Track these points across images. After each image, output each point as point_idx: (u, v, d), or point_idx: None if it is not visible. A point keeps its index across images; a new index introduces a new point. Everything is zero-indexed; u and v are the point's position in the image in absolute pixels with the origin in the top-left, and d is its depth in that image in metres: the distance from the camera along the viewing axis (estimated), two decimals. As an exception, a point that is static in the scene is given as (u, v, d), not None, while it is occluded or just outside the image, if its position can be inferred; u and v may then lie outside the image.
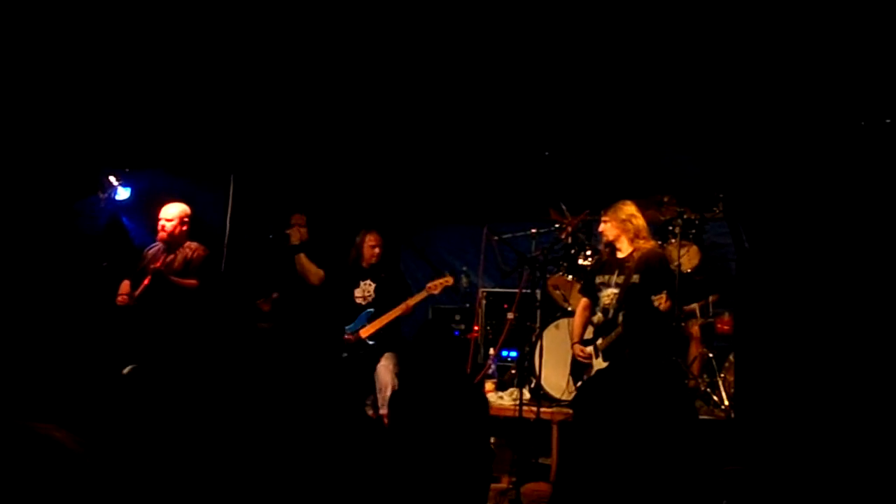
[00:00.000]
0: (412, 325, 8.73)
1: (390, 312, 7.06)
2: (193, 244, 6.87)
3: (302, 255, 7.33)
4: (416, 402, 4.91)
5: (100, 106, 7.16)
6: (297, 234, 7.32)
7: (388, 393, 6.81)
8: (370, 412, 7.01)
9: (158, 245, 6.92)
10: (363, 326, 7.12)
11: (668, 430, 4.57)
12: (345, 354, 7.13)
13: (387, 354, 7.05)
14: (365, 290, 7.29)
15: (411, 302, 7.07)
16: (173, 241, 6.84)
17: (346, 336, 7.16)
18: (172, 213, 6.87)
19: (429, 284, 7.15)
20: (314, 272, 7.36)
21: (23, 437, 1.57)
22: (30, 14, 5.93)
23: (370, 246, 7.32)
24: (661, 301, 5.77)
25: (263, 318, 7.73)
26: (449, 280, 7.14)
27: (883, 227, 5.30)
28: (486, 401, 5.39)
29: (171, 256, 6.77)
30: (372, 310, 7.15)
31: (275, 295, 7.72)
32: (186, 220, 6.90)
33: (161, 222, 6.83)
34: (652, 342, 6.02)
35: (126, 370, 6.73)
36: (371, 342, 7.07)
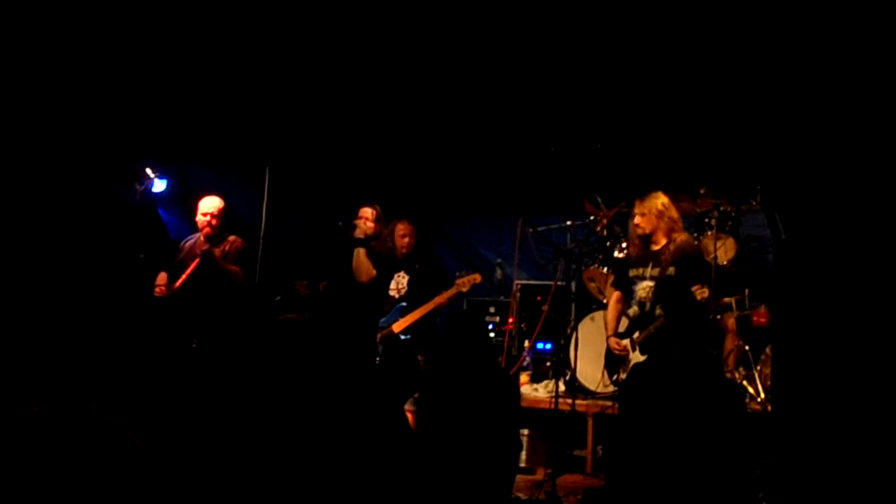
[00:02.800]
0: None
1: (423, 307, 6.85)
2: (232, 237, 6.89)
3: (362, 250, 7.05)
4: (446, 392, 4.94)
5: (136, 98, 7.22)
6: (361, 229, 7.10)
7: None
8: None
9: (196, 237, 6.96)
10: (396, 321, 7.02)
11: (716, 424, 4.56)
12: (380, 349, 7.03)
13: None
14: (399, 283, 7.11)
15: (441, 299, 6.92)
16: (213, 234, 6.86)
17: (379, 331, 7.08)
18: (215, 206, 6.89)
19: (458, 281, 6.96)
20: (366, 270, 7.03)
21: (95, 424, 1.61)
22: (66, 6, 6.00)
23: (400, 235, 7.14)
24: (703, 293, 5.76)
25: (297, 305, 7.69)
26: (477, 278, 6.93)
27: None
28: (517, 391, 5.42)
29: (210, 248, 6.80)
30: (405, 304, 7.04)
31: (322, 285, 7.63)
32: (224, 213, 6.93)
33: (206, 217, 6.85)
34: (694, 335, 6.00)
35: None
36: (404, 337, 6.97)
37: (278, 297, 7.47)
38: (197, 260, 6.70)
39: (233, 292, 6.74)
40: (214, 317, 6.64)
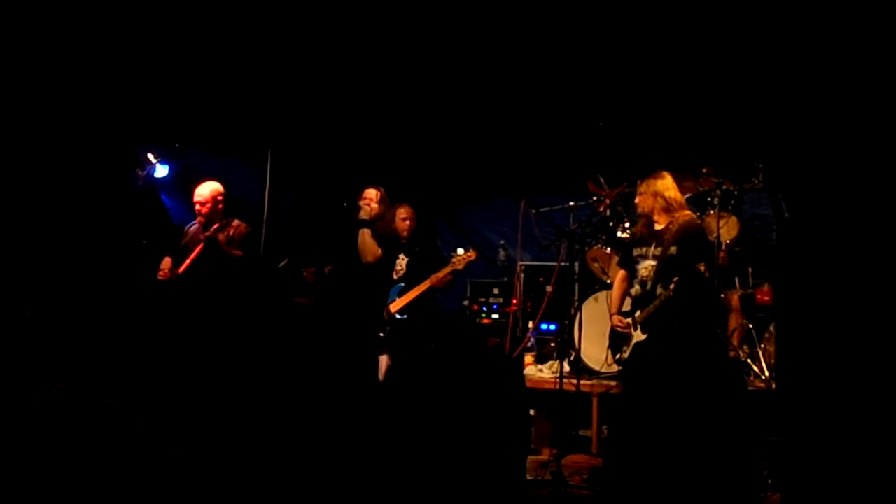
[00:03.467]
0: (449, 300, 8.78)
1: (418, 287, 7.00)
2: (235, 221, 6.91)
3: (366, 231, 7.13)
4: (454, 378, 4.94)
5: (137, 83, 7.21)
6: (366, 210, 7.15)
7: None
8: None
9: (199, 222, 6.96)
10: (393, 301, 7.10)
11: (716, 401, 4.58)
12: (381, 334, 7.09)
13: None
14: (398, 265, 7.24)
15: (435, 278, 7.01)
16: (213, 220, 6.87)
17: None
18: (205, 193, 6.89)
19: (453, 259, 7.07)
20: (372, 250, 7.11)
21: (100, 408, 1.63)
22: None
23: (402, 219, 7.24)
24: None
25: (303, 291, 7.70)
26: (472, 255, 7.04)
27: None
28: (521, 372, 5.43)
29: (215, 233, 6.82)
30: (402, 284, 7.13)
31: (327, 269, 7.65)
32: (221, 197, 6.91)
33: (196, 205, 6.88)
34: (699, 312, 6.00)
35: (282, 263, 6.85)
36: (400, 316, 7.06)
37: (284, 262, 7.47)
38: (201, 245, 6.71)
39: (237, 276, 6.75)
40: (219, 301, 6.65)
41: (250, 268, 6.88)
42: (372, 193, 7.19)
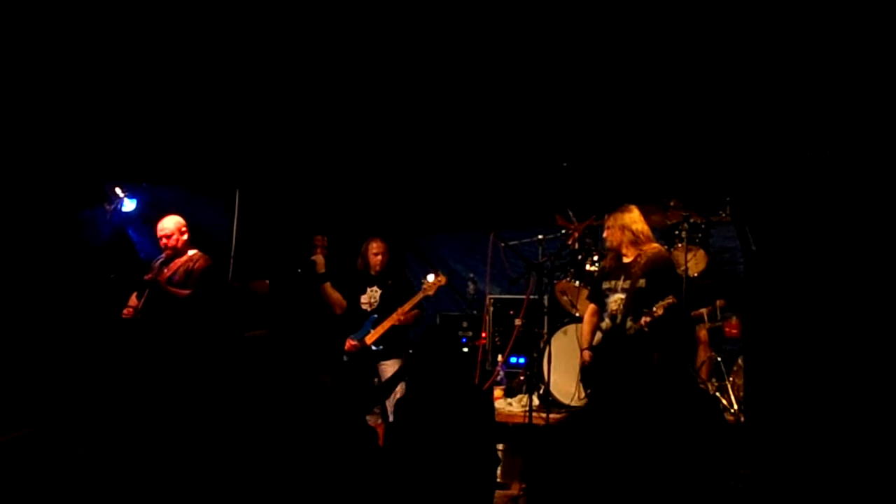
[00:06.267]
0: (419, 334, 8.75)
1: (391, 317, 7.08)
2: (196, 254, 6.87)
3: (328, 285, 7.42)
4: (422, 407, 4.91)
5: (107, 117, 7.18)
6: (321, 261, 7.37)
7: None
8: (375, 420, 7.00)
9: (166, 255, 6.92)
10: (368, 333, 7.13)
11: (688, 435, 4.57)
12: (345, 358, 7.15)
13: (394, 360, 7.10)
14: (371, 297, 7.32)
15: (407, 306, 7.08)
16: (176, 253, 6.85)
17: (352, 343, 7.18)
18: (168, 226, 6.87)
19: (423, 286, 7.16)
20: (338, 302, 7.45)
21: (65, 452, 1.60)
22: (40, 26, 5.97)
23: (373, 253, 7.36)
24: (658, 309, 5.73)
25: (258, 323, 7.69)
26: (442, 279, 7.15)
27: (891, 230, 5.28)
28: (492, 406, 5.41)
29: (174, 267, 6.78)
30: (376, 316, 7.17)
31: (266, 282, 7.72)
32: (184, 229, 6.88)
33: (161, 239, 6.85)
34: (670, 346, 6.00)
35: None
36: (376, 348, 7.10)
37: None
38: (147, 290, 6.69)
39: (187, 313, 6.69)
40: (178, 337, 6.59)
41: (212, 300, 6.84)
42: (321, 240, 7.60)
